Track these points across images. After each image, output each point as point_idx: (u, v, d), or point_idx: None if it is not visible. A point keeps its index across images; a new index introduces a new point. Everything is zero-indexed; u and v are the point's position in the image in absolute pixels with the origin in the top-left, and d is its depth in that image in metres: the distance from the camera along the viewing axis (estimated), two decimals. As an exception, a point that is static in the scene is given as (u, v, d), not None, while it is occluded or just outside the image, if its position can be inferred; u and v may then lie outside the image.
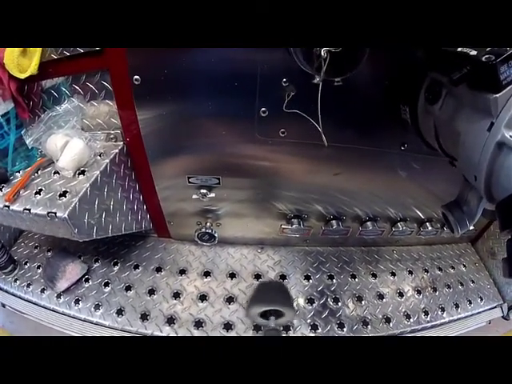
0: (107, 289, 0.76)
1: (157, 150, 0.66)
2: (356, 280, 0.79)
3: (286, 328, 0.70)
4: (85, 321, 0.73)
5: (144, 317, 0.71)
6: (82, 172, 0.61)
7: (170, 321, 0.70)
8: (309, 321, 0.71)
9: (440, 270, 0.85)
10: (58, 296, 0.77)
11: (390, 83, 0.56)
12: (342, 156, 0.66)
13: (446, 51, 0.42)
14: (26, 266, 0.85)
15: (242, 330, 0.69)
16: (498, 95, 0.34)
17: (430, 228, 0.82)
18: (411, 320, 0.76)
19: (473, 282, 0.85)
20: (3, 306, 0.87)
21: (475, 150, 0.38)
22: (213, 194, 0.69)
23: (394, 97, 0.56)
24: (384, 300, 0.77)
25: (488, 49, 0.35)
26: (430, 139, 0.51)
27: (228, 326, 0.69)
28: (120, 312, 0.72)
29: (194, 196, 0.70)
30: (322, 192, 0.73)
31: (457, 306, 0.79)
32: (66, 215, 0.52)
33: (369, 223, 0.79)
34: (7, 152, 0.69)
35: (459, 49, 0.39)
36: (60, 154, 0.61)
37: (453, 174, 0.54)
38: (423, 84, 0.49)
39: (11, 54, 0.64)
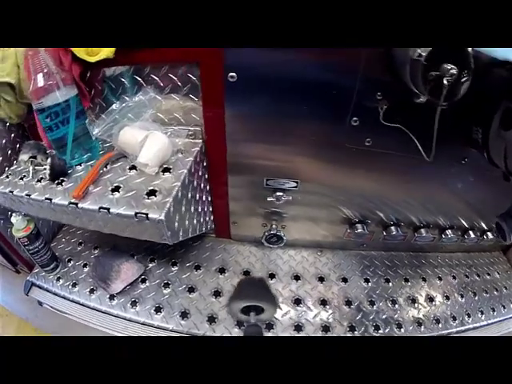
0: (167, 290, 0.72)
1: (238, 151, 0.61)
2: (409, 283, 0.80)
3: (269, 326, 0.68)
4: (144, 324, 0.68)
5: (211, 319, 0.67)
6: (167, 170, 0.55)
7: (240, 323, 0.67)
8: (371, 322, 0.71)
9: (478, 275, 0.88)
10: (111, 297, 0.71)
11: (465, 105, 0.57)
12: (416, 167, 0.66)
13: None
14: (70, 264, 0.78)
15: (311, 331, 0.67)
16: None
17: (472, 236, 0.84)
18: (456, 321, 0.80)
19: (505, 288, 0.88)
20: (40, 304, 0.81)
21: None
22: (289, 198, 0.66)
23: (468, 118, 0.57)
24: (433, 302, 0.78)
25: None
26: (497, 159, 0.54)
27: (298, 328, 0.67)
28: (184, 315, 0.68)
29: (269, 198, 0.67)
30: (388, 199, 0.72)
31: (493, 310, 0.82)
32: (162, 217, 0.47)
33: (423, 230, 0.80)
34: (65, 142, 0.62)
35: None
36: (139, 149, 0.54)
37: (504, 188, 0.63)
38: (498, 110, 0.51)
39: None
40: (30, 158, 0.65)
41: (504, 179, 0.60)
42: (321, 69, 0.52)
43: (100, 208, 0.51)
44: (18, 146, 0.77)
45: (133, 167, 0.57)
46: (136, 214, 0.49)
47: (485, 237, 0.88)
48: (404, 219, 0.78)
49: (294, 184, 0.66)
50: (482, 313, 0.81)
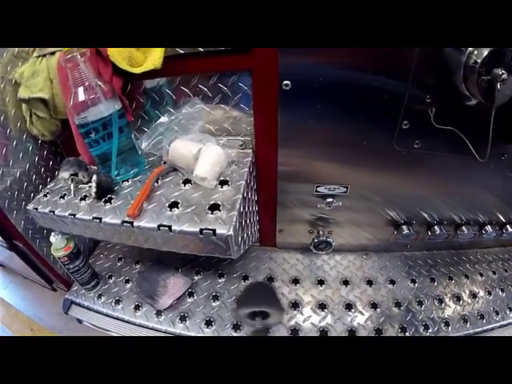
0: (217, 303, 0.70)
1: (289, 159, 0.60)
2: (453, 281, 0.79)
3: (323, 332, 0.67)
4: (195, 338, 0.69)
5: (266, 330, 0.66)
6: (225, 182, 0.53)
7: (294, 332, 0.65)
8: (421, 322, 0.71)
9: None
10: (158, 313, 0.69)
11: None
12: (458, 166, 0.66)
13: None
14: (111, 281, 0.76)
15: (365, 335, 0.66)
16: None
17: (510, 230, 0.84)
18: (499, 316, 0.82)
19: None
20: (80, 321, 0.80)
21: None
22: (339, 203, 0.65)
23: (509, 114, 0.56)
24: (476, 298, 0.78)
25: None
26: None
27: (352, 333, 0.66)
28: (237, 327, 0.66)
29: (320, 205, 0.66)
30: (432, 199, 0.71)
31: None
32: (231, 232, 0.45)
33: (464, 227, 0.81)
34: (108, 157, 0.58)
35: None
36: (194, 162, 0.52)
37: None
38: None
39: None
40: (71, 175, 0.63)
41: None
42: (372, 74, 0.51)
43: (160, 226, 0.49)
44: (51, 162, 0.75)
45: (187, 181, 0.55)
46: (201, 230, 0.46)
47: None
48: (447, 218, 0.78)
49: (344, 189, 0.65)
50: None
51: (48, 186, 0.67)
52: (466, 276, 0.83)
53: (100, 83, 0.54)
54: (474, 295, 0.80)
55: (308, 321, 0.68)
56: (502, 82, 0.45)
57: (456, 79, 0.49)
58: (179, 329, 0.69)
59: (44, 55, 0.62)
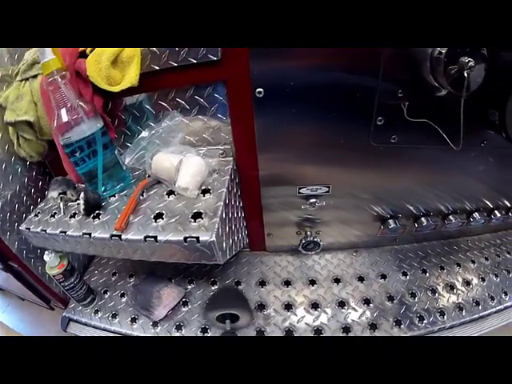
0: None
1: (270, 163, 0.62)
2: (444, 271, 0.80)
3: (318, 331, 0.68)
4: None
5: (260, 333, 0.67)
6: (207, 191, 0.55)
7: (289, 332, 0.67)
8: (415, 314, 0.72)
9: (508, 253, 0.89)
10: (154, 324, 0.71)
11: (479, 89, 0.61)
12: (437, 157, 0.67)
13: None
14: (107, 296, 0.77)
15: (360, 331, 0.68)
16: None
17: (498, 215, 0.85)
18: (495, 301, 0.82)
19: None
20: (79, 340, 0.81)
21: None
22: (323, 203, 0.67)
23: (483, 102, 0.59)
24: (470, 286, 0.79)
25: None
26: None
27: (346, 329, 0.67)
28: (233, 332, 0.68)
29: (303, 206, 0.68)
30: (416, 191, 0.73)
31: None
32: (213, 238, 0.47)
33: (451, 217, 0.82)
34: (93, 175, 0.60)
35: None
36: (176, 174, 0.55)
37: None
38: None
39: (97, 66, 0.56)
40: (60, 194, 0.65)
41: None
42: (342, 74, 0.53)
43: (146, 237, 0.51)
44: (40, 183, 0.77)
45: (170, 192, 0.57)
46: (185, 238, 0.48)
47: (510, 214, 0.90)
48: (433, 209, 0.79)
49: (326, 189, 0.67)
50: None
51: (39, 206, 0.69)
52: (458, 264, 0.84)
53: (81, 103, 0.56)
54: (467, 283, 0.82)
55: (302, 321, 0.70)
56: (469, 69, 0.47)
57: (424, 71, 0.51)
58: (176, 338, 0.69)
59: (27, 79, 0.65)
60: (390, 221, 0.77)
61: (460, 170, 0.73)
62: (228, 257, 0.55)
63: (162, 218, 0.53)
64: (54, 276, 0.70)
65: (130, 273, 0.82)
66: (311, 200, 0.67)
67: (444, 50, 0.46)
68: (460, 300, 0.78)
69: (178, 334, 0.70)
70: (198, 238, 0.48)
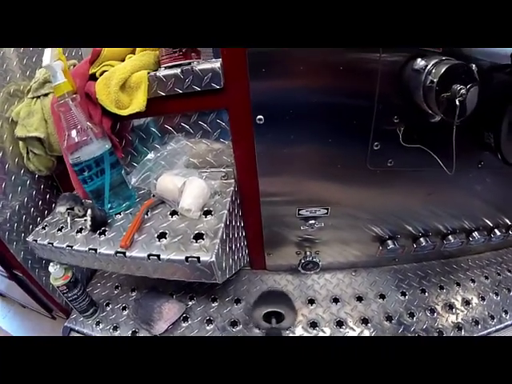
0: (210, 326, 0.74)
1: (270, 187, 0.66)
2: (444, 290, 0.83)
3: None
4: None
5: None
6: (209, 212, 0.59)
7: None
8: (414, 334, 0.74)
9: (509, 271, 0.91)
10: None
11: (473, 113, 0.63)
12: (435, 178, 0.69)
13: None
14: (108, 308, 0.81)
15: None
16: None
17: (498, 234, 0.88)
18: (495, 320, 0.84)
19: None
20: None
21: None
22: (321, 224, 0.70)
23: (478, 125, 0.62)
24: (470, 305, 0.81)
25: None
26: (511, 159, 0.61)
27: None
28: None
29: (302, 227, 0.71)
30: (414, 212, 0.76)
31: None
32: (213, 259, 0.50)
33: (450, 236, 0.85)
34: (101, 193, 0.64)
35: None
36: (179, 195, 0.58)
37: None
38: (506, 113, 0.57)
39: (106, 90, 0.61)
40: (68, 209, 0.69)
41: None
42: (339, 102, 0.57)
43: (149, 255, 0.54)
44: (47, 196, 0.81)
45: (174, 212, 0.61)
46: (187, 258, 0.52)
47: (510, 232, 0.92)
48: (431, 229, 0.82)
49: (325, 211, 0.70)
50: None
51: (46, 219, 0.73)
52: (458, 284, 0.87)
53: (91, 125, 0.60)
54: (467, 302, 0.83)
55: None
56: (460, 97, 0.49)
57: (417, 99, 0.53)
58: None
59: (38, 96, 0.70)
60: (389, 241, 0.79)
61: (458, 190, 0.76)
62: (228, 276, 0.59)
63: (165, 238, 0.56)
64: (58, 287, 0.74)
65: (132, 287, 0.85)
66: (310, 221, 0.70)
67: (436, 79, 0.49)
68: (459, 320, 0.80)
69: (177, 349, 0.72)
70: (198, 258, 0.51)
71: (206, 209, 0.60)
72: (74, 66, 0.73)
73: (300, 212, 0.70)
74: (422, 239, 0.82)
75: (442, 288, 0.85)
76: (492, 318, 0.81)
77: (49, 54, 0.56)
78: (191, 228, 0.57)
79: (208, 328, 0.75)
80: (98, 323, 0.79)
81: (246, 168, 0.63)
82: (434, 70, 0.49)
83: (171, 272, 0.57)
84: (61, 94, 0.57)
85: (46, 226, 0.71)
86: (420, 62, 0.50)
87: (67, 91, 0.58)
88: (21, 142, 0.72)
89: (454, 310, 0.81)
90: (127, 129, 0.67)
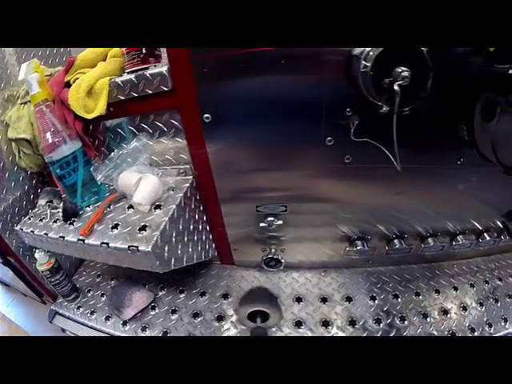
0: (174, 316, 0.80)
1: (225, 182, 0.69)
2: (420, 297, 0.80)
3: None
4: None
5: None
6: (158, 206, 0.64)
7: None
8: None
9: (500, 280, 0.86)
10: (124, 323, 0.81)
11: (446, 105, 0.58)
12: (403, 176, 0.66)
13: (498, 72, 0.46)
14: (89, 294, 0.90)
15: None
16: None
17: (488, 238, 0.82)
18: (476, 334, 0.79)
19: (535, 289, 0.85)
20: (63, 331, 0.93)
21: None
22: (280, 222, 0.72)
23: (452, 117, 0.59)
24: (448, 315, 0.78)
25: None
26: (488, 153, 0.55)
27: None
28: None
29: (262, 224, 0.73)
30: (384, 212, 0.74)
31: None
32: (149, 249, 0.55)
33: (430, 239, 0.81)
34: (75, 188, 0.72)
35: (510, 71, 0.42)
36: (135, 190, 0.64)
37: (509, 183, 0.62)
38: (478, 103, 0.52)
39: (76, 95, 0.68)
40: (47, 202, 0.78)
41: (506, 174, 0.57)
42: (284, 95, 0.57)
43: (102, 243, 0.61)
44: (39, 191, 0.90)
45: (131, 206, 0.67)
46: (129, 246, 0.58)
47: (502, 237, 0.85)
48: (408, 231, 0.79)
49: (284, 208, 0.71)
50: (506, 320, 0.78)
51: (32, 211, 0.83)
52: (437, 291, 0.83)
53: (64, 128, 0.68)
54: (444, 312, 0.79)
55: (257, 336, 0.73)
56: (402, 80, 0.44)
57: (360, 87, 0.49)
58: (141, 338, 0.78)
59: (25, 102, 0.78)
60: (358, 242, 0.78)
61: (436, 189, 0.73)
62: (174, 266, 0.64)
63: (117, 228, 0.62)
64: (42, 272, 0.83)
65: (112, 276, 0.93)
66: (269, 218, 0.73)
67: (370, 63, 0.45)
68: (433, 331, 0.76)
69: (142, 334, 0.78)
70: (137, 247, 0.57)
71: (157, 203, 0.64)
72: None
73: (258, 209, 0.72)
74: (396, 241, 0.80)
75: (418, 294, 0.82)
76: (473, 330, 0.77)
77: (24, 68, 0.64)
78: (140, 220, 0.62)
79: (172, 317, 0.81)
80: (78, 307, 0.88)
81: (201, 165, 0.68)
82: (370, 54, 0.45)
83: (121, 259, 0.63)
84: (36, 102, 0.66)
85: (31, 217, 0.80)
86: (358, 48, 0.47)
87: (41, 99, 0.66)
88: (13, 143, 0.82)
89: (428, 319, 0.78)
90: (98, 130, 0.74)
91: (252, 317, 0.72)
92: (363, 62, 0.46)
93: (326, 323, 0.75)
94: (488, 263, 0.91)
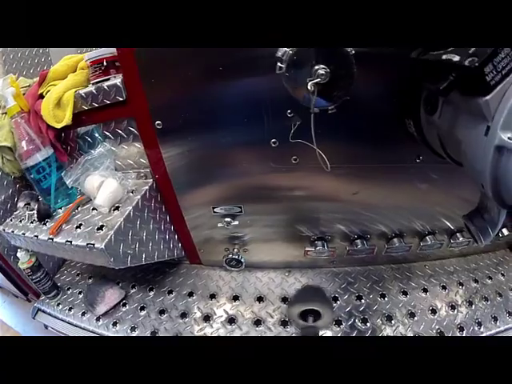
0: (143, 312, 0.87)
1: (183, 184, 0.76)
2: (386, 299, 0.82)
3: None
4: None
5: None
6: (117, 208, 0.72)
7: None
8: None
9: (476, 281, 0.86)
10: (97, 319, 0.89)
11: (391, 99, 0.59)
12: (358, 176, 0.71)
13: (433, 60, 0.43)
14: (69, 292, 0.99)
15: None
16: (488, 97, 0.35)
17: (461, 239, 0.83)
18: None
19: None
20: (46, 327, 1.02)
21: (476, 158, 0.39)
22: (236, 222, 0.78)
23: (398, 112, 0.59)
24: (415, 318, 0.79)
25: (470, 51, 0.35)
26: (438, 149, 0.54)
27: None
28: (154, 333, 0.82)
29: (219, 224, 0.79)
30: (343, 212, 0.78)
31: (495, 319, 0.79)
32: (102, 246, 0.63)
33: (395, 240, 0.83)
34: (50, 191, 0.81)
35: (443, 56, 0.40)
36: (97, 193, 0.72)
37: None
38: (421, 95, 0.52)
39: (47, 107, 0.76)
40: (25, 204, 0.87)
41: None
42: (226, 99, 0.62)
43: (66, 241, 0.70)
44: (21, 194, 1.00)
45: (94, 208, 0.74)
46: (87, 244, 0.66)
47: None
48: (370, 231, 0.82)
49: (239, 209, 0.77)
50: (480, 324, 0.79)
51: (14, 213, 0.92)
52: (405, 293, 0.85)
53: (37, 136, 0.76)
54: (411, 314, 0.81)
55: (215, 334, 0.79)
56: (318, 78, 0.45)
57: (291, 87, 0.50)
58: (111, 332, 0.88)
59: (5, 113, 0.88)
60: (318, 242, 0.81)
61: (396, 189, 0.74)
62: (131, 264, 0.72)
63: (80, 228, 0.69)
64: (23, 270, 0.92)
65: (90, 275, 1.02)
66: (226, 219, 0.78)
67: (284, 64, 0.46)
68: (396, 333, 0.78)
69: (113, 330, 0.86)
70: (93, 244, 0.65)
71: (117, 205, 0.71)
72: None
73: (215, 210, 0.77)
74: (358, 241, 0.82)
75: (383, 296, 0.84)
76: (441, 334, 0.77)
77: (0, 84, 0.73)
78: (101, 221, 0.69)
79: (141, 314, 0.88)
80: (58, 304, 0.98)
81: (159, 169, 0.75)
82: (288, 54, 0.46)
83: (82, 256, 0.72)
84: (11, 114, 0.76)
85: (13, 218, 0.89)
86: (282, 48, 0.47)
87: (16, 112, 0.76)
88: (-4, 150, 0.91)
89: (392, 321, 0.80)
90: (69, 137, 0.82)
91: (303, 316, 0.71)
92: (278, 63, 0.48)
93: (284, 323, 0.79)
94: (464, 264, 0.91)
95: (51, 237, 0.72)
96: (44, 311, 0.98)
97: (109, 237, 0.64)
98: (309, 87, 0.46)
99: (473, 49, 0.36)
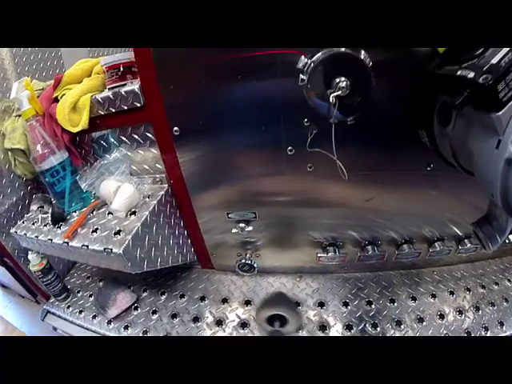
0: (155, 316, 0.90)
1: (198, 190, 0.78)
2: (395, 304, 0.85)
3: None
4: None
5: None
6: (134, 213, 0.74)
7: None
8: None
9: (483, 287, 0.89)
10: (109, 322, 0.91)
11: (405, 110, 0.62)
12: (371, 183, 0.74)
13: (448, 75, 0.47)
14: (79, 295, 1.02)
15: None
16: (500, 113, 0.38)
17: (469, 245, 0.87)
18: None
19: (517, 297, 0.88)
20: (55, 329, 1.04)
21: (488, 169, 0.42)
22: (250, 228, 0.81)
23: (412, 123, 0.63)
24: (424, 323, 0.82)
25: (484, 68, 0.38)
26: (450, 159, 0.57)
27: None
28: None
29: (234, 230, 0.82)
30: (355, 219, 0.81)
31: (501, 324, 0.82)
32: (121, 251, 0.65)
33: (405, 246, 0.87)
34: (64, 194, 0.83)
35: (458, 72, 0.43)
36: (113, 198, 0.75)
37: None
38: (435, 107, 0.55)
39: (62, 111, 0.79)
40: (39, 207, 0.89)
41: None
42: (244, 108, 0.64)
43: (82, 245, 0.72)
44: (33, 196, 1.02)
45: (110, 212, 0.76)
46: (104, 249, 0.68)
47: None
48: (380, 237, 0.85)
49: (253, 215, 0.79)
50: (487, 329, 0.81)
51: (26, 216, 0.94)
52: (414, 298, 0.87)
53: (52, 139, 0.78)
54: (420, 320, 0.84)
55: (229, 338, 0.81)
56: (339, 91, 0.47)
57: (312, 98, 0.52)
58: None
59: (19, 115, 0.89)
60: (330, 248, 0.84)
61: (407, 196, 0.77)
62: (147, 268, 0.74)
63: (97, 232, 0.72)
64: (34, 272, 0.94)
65: (100, 277, 1.05)
66: (240, 225, 0.80)
67: (306, 76, 0.49)
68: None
69: (125, 333, 0.87)
70: (111, 249, 0.67)
71: (133, 210, 0.73)
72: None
73: (229, 215, 0.79)
74: (369, 247, 0.84)
75: (393, 301, 0.86)
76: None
77: (16, 87, 0.75)
78: (117, 225, 0.72)
79: (153, 317, 0.91)
80: (68, 307, 1.00)
81: (175, 174, 0.77)
82: (311, 66, 0.48)
83: (98, 260, 0.74)
84: (27, 117, 0.78)
85: (25, 221, 0.91)
86: (304, 60, 0.50)
87: (31, 115, 0.78)
88: (9, 152, 0.93)
89: (402, 326, 0.82)
90: (85, 141, 0.85)
91: (271, 321, 0.76)
92: (301, 75, 0.50)
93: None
94: (472, 270, 0.94)
95: (66, 240, 0.75)
96: (54, 313, 1.00)
97: (126, 242, 0.66)
98: (331, 100, 0.49)
99: (487, 66, 0.39)
